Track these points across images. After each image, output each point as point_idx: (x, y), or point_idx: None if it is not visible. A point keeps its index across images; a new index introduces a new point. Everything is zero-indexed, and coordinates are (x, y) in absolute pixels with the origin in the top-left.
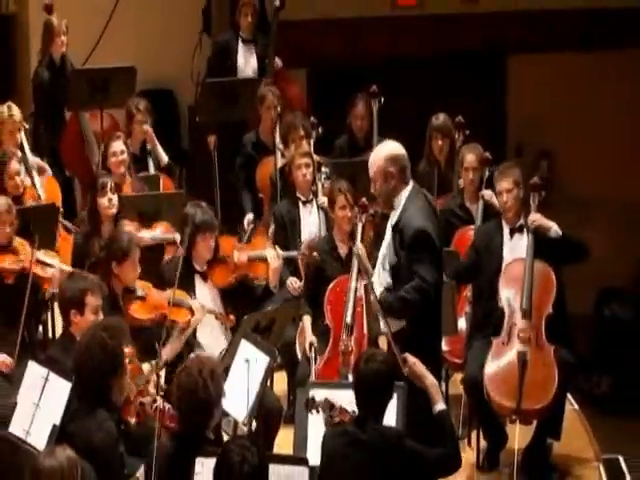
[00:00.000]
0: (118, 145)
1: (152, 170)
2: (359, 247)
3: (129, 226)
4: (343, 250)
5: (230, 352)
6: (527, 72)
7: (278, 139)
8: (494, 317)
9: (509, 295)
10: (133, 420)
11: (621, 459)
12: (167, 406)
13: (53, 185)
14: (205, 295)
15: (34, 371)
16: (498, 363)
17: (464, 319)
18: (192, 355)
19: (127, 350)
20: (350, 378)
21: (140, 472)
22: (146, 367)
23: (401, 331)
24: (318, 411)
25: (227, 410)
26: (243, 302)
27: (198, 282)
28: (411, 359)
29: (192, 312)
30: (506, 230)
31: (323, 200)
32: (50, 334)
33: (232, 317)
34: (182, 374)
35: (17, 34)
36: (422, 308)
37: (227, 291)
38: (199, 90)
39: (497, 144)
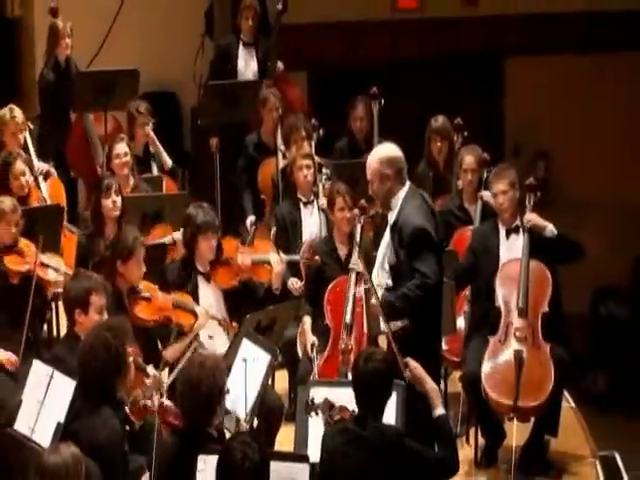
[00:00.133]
0: (121, 147)
1: (155, 172)
2: (356, 262)
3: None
4: (343, 252)
5: (232, 351)
6: (525, 74)
7: (280, 140)
8: (491, 317)
9: (505, 294)
10: (139, 422)
11: (617, 456)
12: (170, 404)
13: (58, 186)
14: (208, 296)
15: (39, 369)
16: (495, 362)
17: (463, 318)
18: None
19: (130, 349)
20: (350, 376)
21: (145, 477)
22: (150, 369)
23: (402, 330)
24: (317, 413)
25: (229, 408)
26: (246, 303)
27: (201, 283)
28: (412, 363)
29: (196, 316)
30: (502, 231)
31: (323, 202)
32: (55, 333)
33: (235, 324)
34: (184, 370)
35: (22, 38)
36: (424, 306)
37: (230, 293)
38: (201, 92)
39: (495, 145)
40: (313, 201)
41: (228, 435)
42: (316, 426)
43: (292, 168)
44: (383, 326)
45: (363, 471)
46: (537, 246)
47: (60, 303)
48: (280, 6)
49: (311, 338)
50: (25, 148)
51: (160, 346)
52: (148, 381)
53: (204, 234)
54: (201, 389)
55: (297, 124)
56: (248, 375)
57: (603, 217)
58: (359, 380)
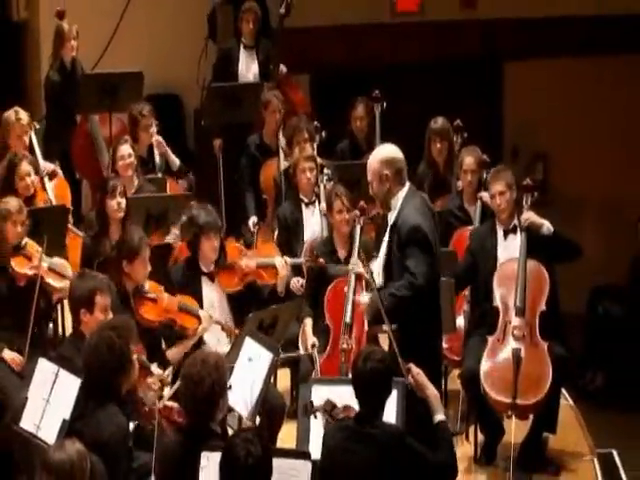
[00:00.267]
0: (126, 149)
1: (159, 173)
2: (355, 263)
3: None
4: (342, 253)
5: (235, 350)
6: (523, 77)
7: (282, 142)
8: (489, 316)
9: (503, 294)
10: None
11: (615, 453)
12: (173, 403)
13: (63, 186)
14: (212, 296)
15: (44, 367)
16: (494, 360)
17: (462, 317)
18: None
19: (134, 348)
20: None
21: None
22: (154, 367)
23: (401, 330)
24: (316, 416)
25: (232, 406)
26: (250, 304)
27: (205, 283)
28: (415, 369)
29: (200, 320)
30: (500, 231)
31: (324, 206)
32: (60, 332)
33: (238, 331)
34: (187, 366)
35: (28, 40)
36: (417, 305)
37: (234, 294)
38: (204, 95)
39: (494, 147)
40: (315, 202)
41: (231, 432)
42: (318, 424)
43: (295, 169)
44: (385, 326)
45: (363, 468)
46: (534, 245)
47: (65, 303)
48: (283, 10)
49: (311, 339)
50: (31, 148)
51: (164, 345)
52: (151, 379)
53: (206, 234)
54: (203, 386)
55: (300, 126)
56: (251, 373)
57: (601, 218)
58: (358, 380)
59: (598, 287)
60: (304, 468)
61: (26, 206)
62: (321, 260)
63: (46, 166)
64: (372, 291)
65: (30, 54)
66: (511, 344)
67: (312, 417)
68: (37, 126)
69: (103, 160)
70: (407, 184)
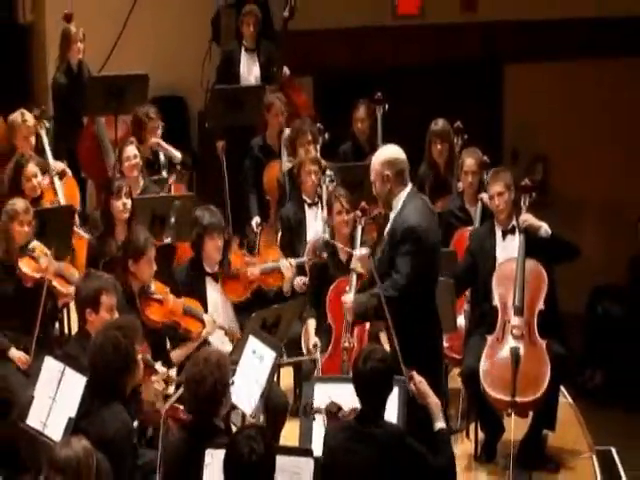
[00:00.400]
0: (131, 150)
1: (164, 174)
2: (356, 265)
3: None
4: (343, 255)
5: (238, 349)
6: (523, 80)
7: (284, 143)
8: (489, 316)
9: (502, 293)
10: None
11: (614, 451)
12: (180, 406)
13: (72, 185)
14: (216, 297)
15: (50, 366)
16: (493, 359)
17: (463, 317)
18: None
19: (139, 347)
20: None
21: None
22: (159, 366)
23: (399, 330)
24: (314, 418)
25: (235, 404)
26: (255, 306)
27: (209, 283)
28: (417, 377)
29: (203, 324)
30: (499, 232)
31: (325, 214)
32: (66, 331)
33: (240, 336)
34: (189, 364)
35: (34, 43)
36: (412, 305)
37: (242, 305)
38: (208, 97)
39: (494, 149)
40: (317, 202)
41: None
42: (320, 423)
43: (299, 171)
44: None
45: (364, 468)
46: (532, 246)
47: (71, 305)
48: (287, 13)
49: (313, 339)
50: (41, 147)
51: (169, 345)
52: (155, 377)
53: (210, 235)
54: (205, 385)
55: (304, 128)
56: (254, 372)
57: (600, 218)
58: (359, 379)
59: (598, 287)
60: (307, 465)
61: (33, 207)
62: (324, 255)
63: (56, 165)
64: (359, 291)
65: (36, 56)
66: (510, 343)
67: (311, 417)
68: (47, 125)
69: (109, 161)
70: (409, 185)
